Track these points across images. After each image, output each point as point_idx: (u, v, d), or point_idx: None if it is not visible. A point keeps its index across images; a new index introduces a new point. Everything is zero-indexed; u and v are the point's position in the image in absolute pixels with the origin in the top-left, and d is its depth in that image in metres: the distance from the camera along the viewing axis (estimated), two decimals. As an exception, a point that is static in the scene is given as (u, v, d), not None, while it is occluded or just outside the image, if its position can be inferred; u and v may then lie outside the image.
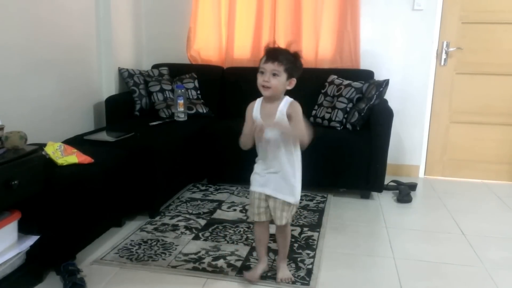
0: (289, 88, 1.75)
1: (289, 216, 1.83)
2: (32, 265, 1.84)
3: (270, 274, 1.96)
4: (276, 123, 1.72)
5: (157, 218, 2.59)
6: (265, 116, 1.75)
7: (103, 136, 2.71)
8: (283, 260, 1.96)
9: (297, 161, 1.81)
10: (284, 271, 1.93)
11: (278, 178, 1.78)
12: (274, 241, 2.01)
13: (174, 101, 3.26)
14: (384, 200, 3.02)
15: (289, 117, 1.73)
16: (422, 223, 2.71)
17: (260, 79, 1.71)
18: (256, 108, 1.79)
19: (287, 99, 1.76)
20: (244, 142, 1.80)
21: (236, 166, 3.14)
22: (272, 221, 1.86)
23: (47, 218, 1.85)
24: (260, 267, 1.93)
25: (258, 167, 1.84)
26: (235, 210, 2.74)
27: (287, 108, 1.73)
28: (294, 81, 1.75)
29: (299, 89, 3.33)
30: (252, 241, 2.29)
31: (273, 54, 1.70)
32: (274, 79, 1.69)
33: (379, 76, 3.39)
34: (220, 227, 2.47)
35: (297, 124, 1.73)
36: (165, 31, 3.83)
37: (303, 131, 1.73)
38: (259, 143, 1.79)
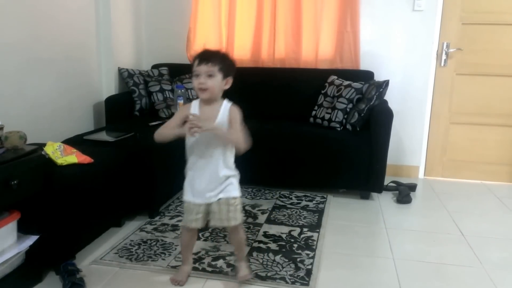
0: (226, 87, 1.74)
1: (238, 216, 1.81)
2: (32, 265, 1.83)
3: (270, 275, 1.96)
4: (214, 128, 1.68)
5: (157, 218, 2.58)
6: (204, 119, 1.70)
7: (103, 136, 2.71)
8: (241, 260, 1.94)
9: (232, 161, 1.81)
10: (243, 270, 1.91)
11: (217, 180, 1.76)
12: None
13: (174, 101, 3.26)
14: (384, 201, 3.02)
15: (229, 122, 1.72)
16: (421, 224, 2.70)
17: (196, 82, 1.69)
18: (193, 111, 1.74)
19: (226, 104, 1.75)
20: (163, 134, 1.74)
21: (236, 166, 3.15)
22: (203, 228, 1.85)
23: (47, 218, 1.85)
24: (186, 269, 1.94)
25: (190, 173, 1.79)
26: (234, 210, 2.74)
27: (228, 112, 1.72)
28: (230, 80, 1.74)
29: (300, 89, 3.40)
30: (252, 241, 2.29)
31: (205, 55, 1.69)
32: (210, 80, 1.67)
33: (379, 77, 3.39)
34: (220, 227, 2.47)
35: (235, 130, 1.71)
36: (165, 31, 3.83)
37: (238, 138, 1.70)
38: (191, 143, 1.75)
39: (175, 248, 2.20)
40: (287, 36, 3.60)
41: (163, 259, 2.09)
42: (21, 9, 2.51)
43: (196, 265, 2.03)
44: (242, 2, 3.62)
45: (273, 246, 2.26)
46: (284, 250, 2.22)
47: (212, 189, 1.77)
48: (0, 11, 2.36)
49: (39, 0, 2.65)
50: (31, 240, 1.80)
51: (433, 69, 3.52)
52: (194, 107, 1.77)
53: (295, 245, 2.27)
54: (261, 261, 2.09)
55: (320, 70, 3.49)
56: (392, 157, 3.28)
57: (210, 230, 2.42)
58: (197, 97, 1.77)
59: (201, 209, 1.79)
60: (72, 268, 1.87)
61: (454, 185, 3.49)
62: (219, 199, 1.78)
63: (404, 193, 3.03)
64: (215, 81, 1.68)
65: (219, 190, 1.78)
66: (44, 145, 2.02)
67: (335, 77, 3.30)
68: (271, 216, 2.66)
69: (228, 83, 1.74)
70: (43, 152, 1.93)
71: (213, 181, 1.77)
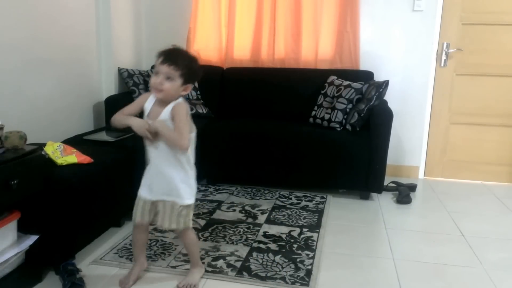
0: (183, 93, 1.67)
1: (181, 220, 1.74)
2: (31, 264, 1.83)
3: (269, 275, 1.96)
4: (154, 125, 1.63)
5: (157, 218, 2.58)
6: (152, 115, 1.70)
7: (103, 136, 2.71)
8: (192, 266, 1.91)
9: (186, 162, 1.73)
10: (188, 278, 1.86)
11: (164, 180, 1.73)
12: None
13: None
14: (384, 201, 3.02)
15: (172, 119, 1.66)
16: (421, 224, 2.70)
17: (153, 80, 1.63)
18: (148, 103, 1.72)
19: (177, 101, 1.68)
20: (117, 119, 1.74)
21: (236, 166, 3.15)
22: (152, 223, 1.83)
23: (47, 217, 1.85)
24: (136, 270, 1.89)
25: (146, 170, 1.79)
26: (234, 210, 2.74)
27: (171, 109, 1.65)
28: (190, 87, 1.68)
29: (299, 89, 3.40)
30: (252, 242, 2.29)
31: (170, 56, 1.62)
32: (167, 82, 1.61)
33: (379, 77, 3.40)
34: (220, 228, 2.47)
35: (177, 126, 1.64)
36: (165, 31, 3.83)
37: (173, 137, 1.64)
38: (147, 144, 1.74)
39: (175, 248, 2.20)
40: (287, 36, 3.60)
41: (163, 259, 2.09)
42: (21, 9, 2.50)
43: (196, 265, 2.03)
44: (242, 2, 3.62)
45: (273, 246, 2.26)
46: (284, 250, 2.21)
47: (159, 187, 1.74)
48: (1, 13, 2.36)
49: (39, 0, 2.65)
50: (31, 240, 1.80)
51: (433, 69, 3.53)
52: (150, 101, 1.72)
53: (295, 245, 2.27)
54: (261, 261, 2.09)
55: (320, 70, 3.49)
56: (392, 158, 3.29)
57: (210, 230, 2.42)
58: None
59: (146, 205, 1.77)
60: (72, 268, 1.87)
61: (454, 185, 3.49)
62: (166, 200, 1.74)
63: (404, 194, 3.03)
64: (172, 85, 1.62)
65: (166, 190, 1.73)
66: (44, 145, 2.02)
67: (335, 77, 3.30)
68: (271, 216, 2.66)
69: (186, 90, 1.67)
70: (43, 152, 1.93)
71: (160, 180, 1.73)
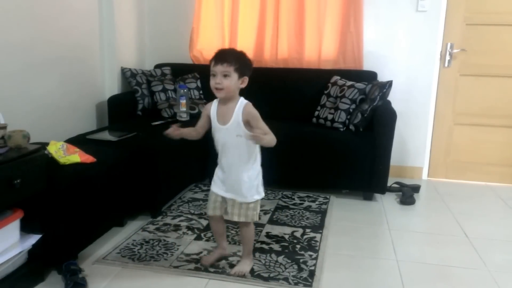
0: (242, 86, 1.79)
1: (249, 213, 1.87)
2: (34, 264, 1.83)
3: (272, 275, 1.95)
4: (254, 136, 1.71)
5: (159, 218, 2.58)
6: (220, 117, 1.82)
7: (106, 135, 2.70)
8: (244, 256, 2.01)
9: (253, 161, 1.86)
10: (240, 266, 1.98)
11: (233, 178, 1.85)
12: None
13: (177, 101, 3.25)
14: (387, 202, 3.01)
15: (246, 121, 1.77)
16: (425, 225, 2.69)
17: (212, 82, 1.76)
18: (213, 109, 1.85)
19: (242, 101, 1.80)
20: (192, 136, 1.92)
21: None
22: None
23: (49, 217, 1.85)
24: (217, 252, 2.06)
25: (217, 168, 1.93)
26: (237, 210, 2.73)
27: (242, 111, 1.78)
28: (246, 79, 1.79)
29: (303, 90, 3.39)
30: (254, 242, 2.28)
31: (221, 56, 1.75)
32: (225, 80, 1.74)
33: (382, 77, 3.38)
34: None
35: (262, 130, 1.76)
36: (168, 31, 3.83)
37: (271, 139, 1.76)
38: (217, 145, 1.87)
39: (177, 248, 2.19)
40: (290, 36, 3.59)
41: (166, 259, 2.08)
42: (25, 10, 2.51)
43: (199, 265, 2.03)
44: (245, 2, 3.61)
45: (275, 246, 2.25)
46: (286, 251, 2.21)
47: (230, 184, 1.87)
48: (5, 12, 2.36)
49: (43, 1, 2.65)
50: (33, 239, 1.80)
51: (436, 69, 3.51)
52: (214, 105, 1.85)
53: (298, 246, 2.26)
54: (263, 261, 2.08)
55: (323, 71, 3.48)
56: (395, 158, 3.27)
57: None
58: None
59: (218, 198, 1.91)
60: (74, 267, 1.86)
61: (458, 186, 3.47)
62: (234, 197, 1.87)
63: (407, 194, 3.02)
64: (230, 81, 1.74)
65: (236, 188, 1.85)
66: (47, 144, 2.02)
67: (338, 77, 3.29)
68: (274, 217, 2.65)
69: (244, 82, 1.79)
70: (46, 151, 1.93)
71: (232, 175, 1.85)
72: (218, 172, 1.92)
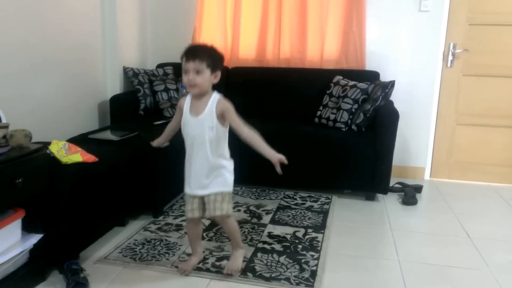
0: (215, 81, 1.80)
1: (224, 206, 1.85)
2: (35, 263, 1.83)
3: (274, 275, 1.95)
4: (276, 157, 1.77)
5: (161, 217, 2.58)
6: (193, 109, 1.81)
7: (107, 135, 2.70)
8: (234, 248, 2.02)
9: (223, 152, 1.86)
10: (233, 261, 1.98)
11: (205, 173, 1.83)
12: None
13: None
14: (389, 202, 3.00)
15: (220, 114, 1.78)
16: (427, 226, 2.68)
17: (185, 79, 1.76)
18: (186, 103, 1.85)
19: (215, 96, 1.81)
20: (169, 135, 2.00)
21: (240, 166, 3.13)
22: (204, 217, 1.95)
23: (51, 216, 1.85)
24: (193, 259, 2.02)
25: (187, 169, 1.89)
26: (239, 210, 2.73)
27: (216, 104, 1.78)
28: (219, 74, 1.80)
29: (305, 89, 3.38)
30: (256, 242, 2.28)
31: (192, 52, 1.75)
32: (198, 77, 1.73)
33: (384, 77, 3.37)
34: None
35: (235, 122, 1.79)
36: (170, 31, 3.83)
37: (259, 137, 1.79)
38: (187, 140, 1.85)
39: (179, 248, 2.19)
40: (292, 36, 3.59)
41: (167, 259, 2.08)
42: (27, 11, 2.51)
43: (200, 265, 2.03)
44: (248, 2, 3.61)
45: (277, 247, 2.25)
46: (288, 251, 2.20)
47: (204, 177, 1.84)
48: (8, 13, 2.37)
49: (45, 1, 2.65)
50: (35, 238, 1.80)
51: (439, 70, 3.50)
52: (188, 100, 1.85)
53: (300, 246, 2.25)
54: (265, 261, 2.08)
55: (326, 70, 3.48)
56: (397, 158, 3.27)
57: (214, 230, 2.41)
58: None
59: (195, 200, 1.89)
60: (76, 267, 1.86)
61: (460, 186, 3.46)
62: (210, 193, 1.85)
63: (409, 195, 3.01)
64: (203, 77, 1.74)
65: (210, 180, 1.84)
66: (49, 143, 2.02)
67: (341, 77, 3.28)
68: (276, 217, 2.65)
69: (216, 77, 1.79)
70: (48, 151, 1.93)
71: (204, 169, 1.83)
72: (188, 172, 1.88)
